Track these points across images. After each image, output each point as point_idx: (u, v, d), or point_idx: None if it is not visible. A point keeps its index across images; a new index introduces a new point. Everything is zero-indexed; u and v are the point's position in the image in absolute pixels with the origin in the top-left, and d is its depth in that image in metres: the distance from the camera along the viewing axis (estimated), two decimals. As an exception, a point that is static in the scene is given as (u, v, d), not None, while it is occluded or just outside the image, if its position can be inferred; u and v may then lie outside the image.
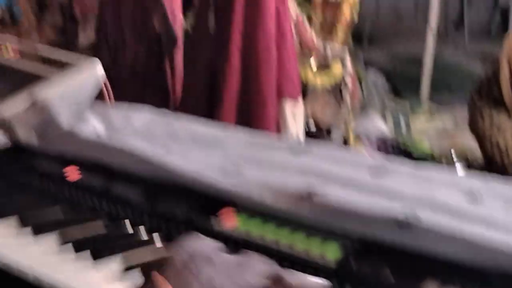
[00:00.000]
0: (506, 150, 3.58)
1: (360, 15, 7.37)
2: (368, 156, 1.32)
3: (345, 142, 4.18)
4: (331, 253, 1.02)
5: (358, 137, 4.39)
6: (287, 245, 1.05)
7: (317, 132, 4.46)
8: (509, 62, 3.53)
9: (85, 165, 1.33)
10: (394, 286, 0.94)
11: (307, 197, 1.09)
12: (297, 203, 1.09)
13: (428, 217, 1.00)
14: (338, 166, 1.23)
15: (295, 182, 1.15)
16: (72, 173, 1.33)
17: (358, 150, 4.21)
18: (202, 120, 1.55)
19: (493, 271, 0.92)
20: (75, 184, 1.29)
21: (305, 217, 1.09)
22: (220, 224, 1.13)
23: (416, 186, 1.14)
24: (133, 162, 1.27)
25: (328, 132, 4.45)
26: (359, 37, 7.40)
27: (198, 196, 1.21)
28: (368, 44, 7.50)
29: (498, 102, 3.63)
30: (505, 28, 8.54)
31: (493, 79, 3.66)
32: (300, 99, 3.18)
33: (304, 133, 4.20)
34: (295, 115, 3.09)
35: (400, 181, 1.16)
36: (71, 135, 1.35)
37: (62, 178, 1.32)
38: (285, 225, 1.10)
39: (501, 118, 3.63)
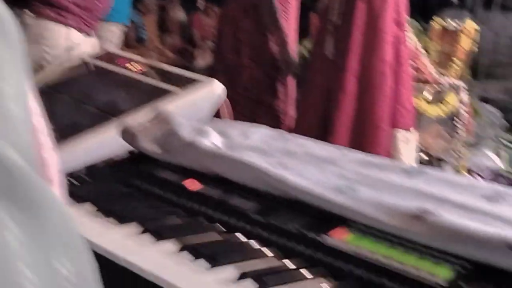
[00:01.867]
0: None
1: (478, 47, 7.27)
2: (483, 182, 1.31)
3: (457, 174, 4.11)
4: (442, 273, 1.03)
5: (470, 171, 4.31)
6: (398, 262, 1.07)
7: (428, 163, 4.42)
8: None
9: (204, 176, 1.39)
10: (505, 310, 0.94)
11: (421, 217, 1.10)
12: (411, 223, 1.10)
13: (544, 244, 0.99)
14: (452, 189, 1.23)
15: (409, 202, 1.16)
16: (192, 184, 1.39)
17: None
18: (316, 140, 1.59)
19: None
20: (195, 194, 1.35)
21: (417, 237, 1.10)
22: (332, 240, 1.16)
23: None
24: (249, 175, 1.32)
25: (440, 163, 4.39)
26: (476, 70, 7.27)
27: (311, 212, 1.24)
28: (485, 78, 7.36)
29: None
30: None
31: None
32: (413, 129, 3.16)
33: (416, 163, 4.17)
34: (407, 145, 3.07)
35: (514, 208, 1.16)
36: (191, 147, 1.42)
37: (182, 187, 1.38)
38: (397, 245, 1.11)
39: None
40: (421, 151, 4.54)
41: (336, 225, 1.20)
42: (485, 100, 6.05)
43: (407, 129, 3.07)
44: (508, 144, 5.08)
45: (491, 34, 7.75)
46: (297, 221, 1.23)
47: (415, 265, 1.06)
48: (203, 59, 6.03)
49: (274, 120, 3.18)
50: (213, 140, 1.46)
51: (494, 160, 4.62)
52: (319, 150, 1.46)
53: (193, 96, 1.81)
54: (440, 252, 1.07)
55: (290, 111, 3.27)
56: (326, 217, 1.22)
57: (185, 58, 6.05)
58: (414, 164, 3.09)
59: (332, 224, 1.20)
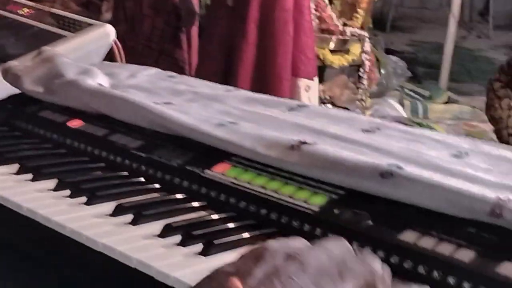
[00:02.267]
0: (522, 135, 3.59)
1: (384, 1, 7.35)
2: (362, 116, 1.34)
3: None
4: (317, 201, 1.05)
5: (374, 120, 4.40)
6: (276, 193, 1.09)
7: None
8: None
9: (88, 116, 1.37)
10: (374, 232, 0.97)
11: (297, 147, 1.11)
12: (287, 153, 1.12)
13: (412, 169, 1.02)
14: (332, 122, 1.26)
15: (288, 135, 1.18)
16: (76, 124, 1.37)
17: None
18: (206, 81, 1.59)
19: (469, 221, 0.95)
20: (77, 132, 1.34)
21: (294, 167, 1.12)
22: (213, 174, 1.17)
23: (405, 142, 1.16)
24: (132, 113, 1.31)
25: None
26: (382, 22, 7.39)
27: (194, 148, 1.24)
28: (391, 30, 7.49)
29: (516, 88, 3.63)
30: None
31: (512, 66, 3.66)
32: (315, 78, 3.19)
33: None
34: (309, 93, 3.10)
35: (390, 138, 1.19)
36: (74, 85, 1.39)
37: (65, 127, 1.36)
38: (276, 176, 1.13)
39: (517, 104, 3.63)
40: (327, 101, 4.60)
41: (219, 160, 1.20)
42: (391, 52, 6.16)
43: (309, 78, 3.10)
44: (412, 93, 5.20)
45: (397, -13, 7.89)
46: (180, 157, 1.23)
47: (291, 195, 1.08)
48: (110, 12, 5.90)
49: (177, 71, 3.16)
50: (98, 80, 1.44)
51: (397, 109, 4.72)
52: (206, 89, 1.46)
53: (83, 39, 1.78)
54: (316, 182, 1.09)
55: (194, 61, 3.25)
56: (209, 153, 1.22)
57: (90, 11, 5.91)
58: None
59: (214, 159, 1.21)
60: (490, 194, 0.95)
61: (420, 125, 4.44)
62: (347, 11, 4.23)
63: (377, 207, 1.02)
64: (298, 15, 2.99)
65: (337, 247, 0.74)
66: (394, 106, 4.73)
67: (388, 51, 6.06)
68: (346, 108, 4.47)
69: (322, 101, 4.54)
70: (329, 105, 4.51)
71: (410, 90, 5.24)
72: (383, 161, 1.05)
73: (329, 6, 4.10)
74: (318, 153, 1.10)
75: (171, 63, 3.20)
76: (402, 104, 4.80)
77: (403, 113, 4.71)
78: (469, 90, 5.49)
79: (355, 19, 4.18)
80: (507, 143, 3.66)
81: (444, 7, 6.96)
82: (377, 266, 0.74)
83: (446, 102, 5.10)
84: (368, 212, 1.01)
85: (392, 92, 5.10)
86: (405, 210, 1.00)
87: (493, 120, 3.78)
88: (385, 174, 1.03)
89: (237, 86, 2.91)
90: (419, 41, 7.19)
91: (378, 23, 6.88)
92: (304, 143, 1.13)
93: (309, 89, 3.11)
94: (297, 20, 2.98)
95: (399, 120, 4.47)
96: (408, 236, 0.94)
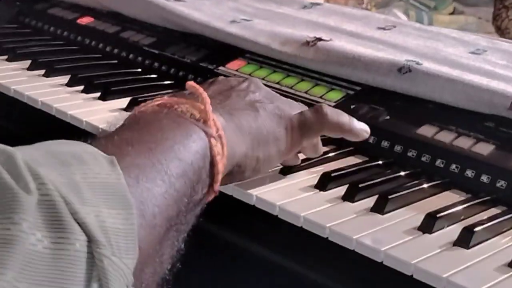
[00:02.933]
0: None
1: None
2: (378, 15, 1.32)
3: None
4: (332, 96, 1.05)
5: (379, 30, 4.36)
6: (291, 88, 1.08)
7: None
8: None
9: (99, 13, 1.35)
10: (392, 126, 0.96)
11: (312, 43, 1.10)
12: (303, 49, 1.11)
13: (430, 65, 1.01)
14: (348, 20, 1.24)
15: (303, 32, 1.16)
16: (86, 21, 1.35)
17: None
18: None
19: (488, 116, 0.94)
20: (87, 29, 1.32)
21: (310, 63, 1.10)
22: (227, 71, 1.16)
23: (422, 40, 1.15)
24: (144, 9, 1.29)
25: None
26: None
27: (208, 45, 1.23)
28: None
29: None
30: None
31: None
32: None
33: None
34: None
35: (407, 36, 1.17)
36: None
37: (76, 24, 1.35)
38: (292, 73, 1.12)
39: (525, 15, 3.60)
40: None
41: (233, 57, 1.19)
42: (396, -38, 6.05)
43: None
44: (417, 4, 5.13)
45: None
46: (194, 54, 1.22)
47: (307, 90, 1.07)
48: None
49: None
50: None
51: (403, 19, 4.67)
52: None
53: None
54: (332, 78, 1.08)
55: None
56: (223, 50, 1.21)
57: None
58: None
59: (229, 56, 1.19)
60: (510, 88, 0.94)
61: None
62: None
63: (395, 103, 1.01)
64: None
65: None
66: (399, 16, 4.67)
67: (394, -39, 5.95)
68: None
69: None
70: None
71: (416, 0, 5.16)
72: (401, 57, 1.04)
73: None
74: (334, 49, 1.09)
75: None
76: (407, 15, 4.74)
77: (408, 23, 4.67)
78: (475, 0, 5.41)
79: None
80: None
81: None
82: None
83: (452, 13, 5.04)
84: (385, 107, 1.00)
85: (397, 2, 5.02)
86: (423, 106, 0.99)
87: (499, 30, 3.74)
88: (403, 69, 1.02)
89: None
90: (425, -49, 7.06)
91: None
92: (320, 39, 1.11)
93: None
94: None
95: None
96: (426, 131, 0.94)
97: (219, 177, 0.65)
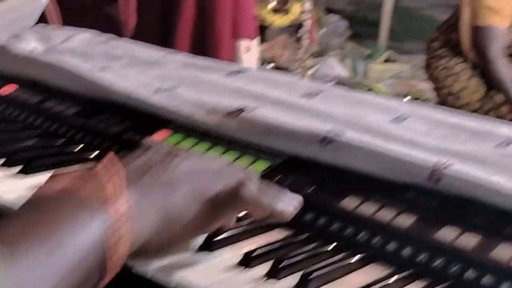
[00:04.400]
0: (460, 94, 3.65)
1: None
2: (305, 81, 1.34)
3: (302, 83, 4.20)
4: (257, 167, 1.04)
5: (315, 79, 4.41)
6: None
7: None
8: (469, 9, 3.57)
9: (21, 81, 1.33)
10: (315, 199, 0.96)
11: (237, 113, 1.10)
12: (227, 119, 1.10)
13: (352, 134, 1.02)
14: (273, 87, 1.24)
15: (228, 100, 1.16)
16: (8, 90, 1.33)
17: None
18: (146, 44, 1.55)
19: (410, 186, 0.95)
20: (9, 98, 1.30)
21: (235, 133, 1.10)
22: (151, 143, 1.14)
23: (345, 107, 1.16)
24: (67, 78, 1.27)
25: (287, 72, 4.46)
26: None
27: (133, 115, 1.22)
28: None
29: (455, 47, 3.68)
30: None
31: (452, 25, 3.70)
32: (256, 39, 3.16)
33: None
34: (250, 55, 3.07)
35: (330, 102, 1.18)
36: (4, 51, 1.34)
37: (-2, 94, 1.32)
38: (218, 143, 1.11)
39: (456, 63, 3.68)
40: (268, 61, 4.60)
41: (159, 128, 1.18)
42: (331, 10, 6.17)
43: (250, 39, 3.07)
44: (352, 52, 5.22)
45: None
46: (118, 125, 1.21)
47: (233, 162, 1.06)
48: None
49: (114, 30, 3.09)
50: (32, 44, 1.39)
51: (338, 68, 4.75)
52: (143, 53, 1.43)
53: (14, 1, 1.71)
54: (258, 148, 1.08)
55: (131, 19, 3.19)
56: (148, 120, 1.20)
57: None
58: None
59: (154, 126, 1.18)
60: (430, 158, 0.95)
61: (360, 84, 4.48)
62: (287, -30, 4.21)
63: (319, 174, 1.01)
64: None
65: (211, 156, 0.85)
66: (334, 66, 4.76)
67: (329, 10, 6.07)
68: (287, 69, 4.47)
69: (263, 62, 4.53)
70: (270, 65, 4.50)
71: (351, 49, 5.26)
72: (324, 126, 1.05)
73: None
74: (258, 118, 1.09)
75: (108, 22, 3.13)
76: (342, 64, 4.83)
77: (343, 73, 4.74)
78: (408, 48, 5.55)
79: (296, -22, 4.16)
80: (445, 102, 3.72)
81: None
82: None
83: (386, 61, 5.16)
84: (309, 178, 1.00)
85: (332, 52, 5.12)
86: (346, 176, 1.00)
87: (431, 79, 3.83)
88: (326, 140, 1.02)
89: (176, 46, 2.87)
90: (359, 1, 7.22)
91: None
92: (244, 109, 1.11)
93: (250, 50, 3.09)
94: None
95: (340, 80, 4.49)
96: (349, 202, 0.94)
97: (119, 263, 0.66)
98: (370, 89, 4.43)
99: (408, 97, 3.91)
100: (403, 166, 0.95)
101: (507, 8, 3.53)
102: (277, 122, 1.07)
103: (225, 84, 1.27)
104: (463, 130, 1.08)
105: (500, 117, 3.63)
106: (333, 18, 5.63)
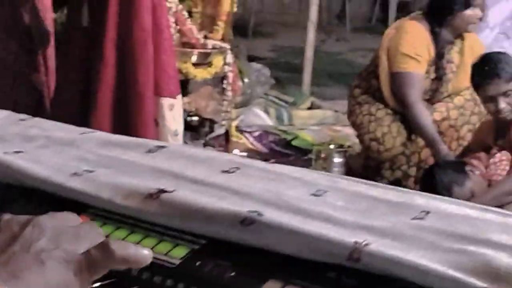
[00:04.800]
0: (383, 139, 3.71)
1: (244, 7, 7.41)
2: (224, 155, 1.34)
3: (227, 134, 4.21)
4: (178, 253, 1.03)
5: (240, 130, 4.43)
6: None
7: (200, 125, 4.49)
8: (387, 56, 3.66)
9: None
10: (236, 284, 0.96)
11: (155, 196, 1.09)
12: (146, 203, 1.09)
13: (271, 214, 1.02)
14: (192, 164, 1.24)
15: (147, 181, 1.15)
16: None
17: (239, 142, 4.25)
18: (62, 124, 1.53)
19: (331, 265, 0.95)
20: None
21: (155, 217, 1.09)
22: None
23: (264, 182, 1.16)
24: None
25: (211, 125, 4.47)
26: (244, 29, 7.46)
27: (50, 200, 1.19)
28: (253, 36, 7.58)
29: (376, 93, 3.75)
30: (385, 20, 8.78)
31: (372, 72, 3.79)
32: (179, 96, 3.16)
33: (186, 126, 4.21)
34: (173, 111, 3.07)
35: (249, 179, 1.18)
36: None
37: None
38: (138, 228, 1.10)
39: (378, 109, 3.76)
40: (193, 113, 4.60)
41: (77, 213, 1.15)
42: (254, 58, 6.24)
43: (173, 97, 3.07)
44: (276, 100, 5.28)
45: (257, -7, 7.98)
46: (35, 211, 1.17)
47: (152, 248, 1.05)
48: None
49: (35, 95, 3.06)
50: None
51: (263, 117, 4.79)
52: (59, 132, 1.41)
53: None
54: (178, 232, 1.07)
55: (52, 84, 3.15)
56: (65, 205, 1.17)
57: None
58: (182, 131, 3.10)
59: (71, 211, 1.16)
60: (349, 237, 0.96)
61: (285, 132, 4.52)
62: (208, 24, 4.24)
63: (240, 256, 1.01)
64: (157, 34, 2.95)
65: (67, 215, 0.81)
66: (259, 115, 4.79)
67: (251, 58, 6.14)
68: (212, 120, 4.48)
69: (188, 114, 4.54)
70: (195, 118, 4.50)
71: (275, 97, 5.32)
72: (243, 207, 1.04)
73: (189, 19, 4.09)
74: (178, 201, 1.08)
75: (29, 87, 3.09)
76: (267, 112, 4.87)
77: (268, 121, 4.78)
78: (331, 94, 5.64)
79: (216, 32, 4.20)
80: (369, 148, 3.78)
81: (303, 11, 7.08)
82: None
83: (310, 108, 5.22)
84: (230, 262, 0.99)
85: (257, 100, 5.16)
86: (268, 258, 0.99)
87: (355, 125, 3.89)
88: (246, 221, 1.02)
89: (98, 109, 2.85)
90: (281, 46, 7.32)
91: (240, 29, 6.95)
92: (163, 190, 1.10)
93: (173, 108, 3.08)
94: (157, 39, 2.94)
95: (267, 130, 4.52)
96: (271, 287, 0.94)
97: None
98: (296, 137, 4.47)
99: (332, 146, 3.96)
100: (323, 246, 0.95)
101: (423, 54, 3.63)
102: (196, 205, 1.06)
103: (144, 163, 1.26)
104: (381, 202, 1.10)
105: (423, 160, 3.71)
106: (256, 66, 5.68)
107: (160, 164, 1.25)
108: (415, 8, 5.35)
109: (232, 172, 1.21)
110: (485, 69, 3.12)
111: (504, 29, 4.78)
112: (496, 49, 4.68)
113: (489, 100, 3.14)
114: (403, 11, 8.80)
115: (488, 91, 3.11)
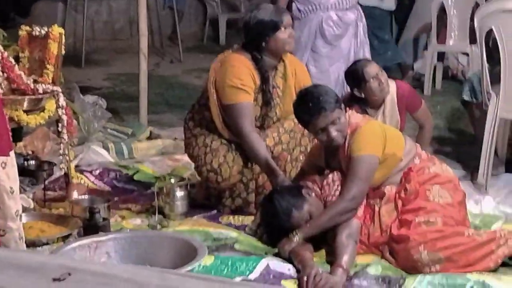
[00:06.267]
0: (219, 169, 3.81)
1: (75, 35, 7.33)
2: (56, 258, 1.37)
3: (67, 175, 4.17)
4: None
5: (80, 170, 4.40)
6: None
7: (39, 168, 4.41)
8: (215, 89, 3.76)
9: None
10: None
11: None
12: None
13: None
14: (22, 275, 1.27)
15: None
16: None
17: (80, 184, 4.23)
18: None
19: None
20: None
21: None
22: None
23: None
24: None
25: (50, 167, 4.41)
26: (77, 58, 7.37)
27: None
28: (86, 65, 7.48)
29: (209, 125, 3.85)
30: (216, 39, 8.93)
31: (204, 104, 3.88)
32: (11, 153, 3.10)
33: (23, 171, 4.16)
34: (7, 170, 3.01)
35: (84, 284, 1.23)
36: None
37: None
38: None
39: (212, 140, 3.86)
40: (30, 157, 4.52)
41: None
42: (88, 89, 6.18)
43: (4, 155, 3.01)
44: (115, 133, 5.26)
45: (88, 22, 7.87)
46: None
47: None
48: None
49: None
50: None
51: (102, 154, 4.76)
52: None
53: None
54: None
55: None
56: None
57: None
58: (16, 187, 3.04)
59: None
60: None
61: (126, 167, 4.52)
62: (37, 68, 4.18)
63: None
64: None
65: None
66: (99, 152, 4.77)
67: (86, 89, 6.08)
68: (50, 163, 4.42)
69: (25, 158, 4.46)
70: (32, 162, 4.43)
71: (113, 129, 5.29)
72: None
73: (16, 66, 4.03)
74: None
75: None
76: (106, 148, 4.84)
77: (108, 157, 4.76)
78: (169, 121, 5.68)
79: (46, 75, 4.15)
80: (207, 179, 3.88)
81: (135, 36, 7.11)
82: None
83: (149, 137, 5.22)
84: None
85: (96, 135, 5.12)
86: None
87: (192, 157, 3.98)
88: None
89: None
90: (116, 74, 7.27)
91: (72, 59, 6.86)
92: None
93: (6, 166, 3.03)
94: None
95: (107, 167, 4.49)
96: None
97: None
98: (137, 171, 4.50)
99: (173, 180, 4.01)
100: None
101: (249, 83, 3.76)
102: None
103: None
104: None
105: (261, 185, 3.85)
106: (92, 98, 5.62)
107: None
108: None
109: (64, 279, 1.26)
110: (310, 106, 3.28)
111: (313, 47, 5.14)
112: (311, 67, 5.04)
113: (320, 131, 3.31)
114: (232, 28, 9.01)
115: (318, 125, 3.28)
